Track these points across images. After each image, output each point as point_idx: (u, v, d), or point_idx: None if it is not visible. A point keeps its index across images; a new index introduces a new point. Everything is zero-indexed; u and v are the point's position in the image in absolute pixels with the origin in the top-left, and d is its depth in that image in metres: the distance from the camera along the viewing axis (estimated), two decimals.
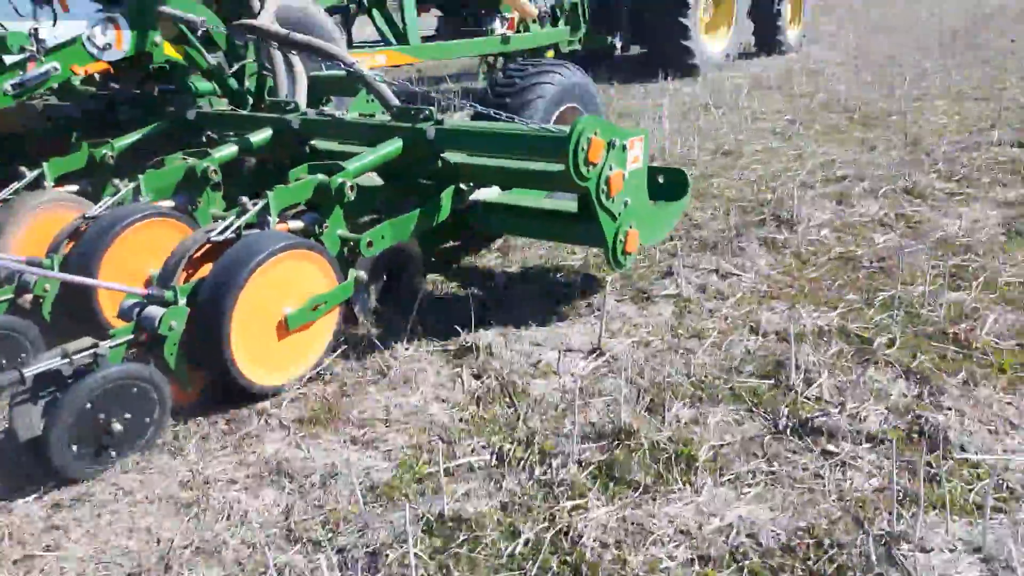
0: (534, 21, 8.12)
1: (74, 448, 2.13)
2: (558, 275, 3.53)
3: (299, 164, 3.07)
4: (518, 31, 8.16)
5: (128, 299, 2.42)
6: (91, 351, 2.19)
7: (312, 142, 3.55)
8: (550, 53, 8.66)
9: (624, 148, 2.83)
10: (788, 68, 9.58)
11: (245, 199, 2.71)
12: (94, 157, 3.50)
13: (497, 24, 8.02)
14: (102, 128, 3.83)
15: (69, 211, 3.07)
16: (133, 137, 3.68)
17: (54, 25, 3.38)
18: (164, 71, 3.92)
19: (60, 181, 3.39)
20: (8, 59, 3.44)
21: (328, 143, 3.55)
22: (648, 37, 9.53)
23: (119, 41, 3.51)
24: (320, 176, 2.84)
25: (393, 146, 3.06)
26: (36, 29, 3.39)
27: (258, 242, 2.51)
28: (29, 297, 2.71)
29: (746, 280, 3.29)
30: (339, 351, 2.78)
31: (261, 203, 2.68)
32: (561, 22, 8.78)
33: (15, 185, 3.25)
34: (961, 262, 3.29)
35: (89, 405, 2.12)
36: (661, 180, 3.28)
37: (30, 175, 3.30)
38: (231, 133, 3.72)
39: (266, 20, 3.76)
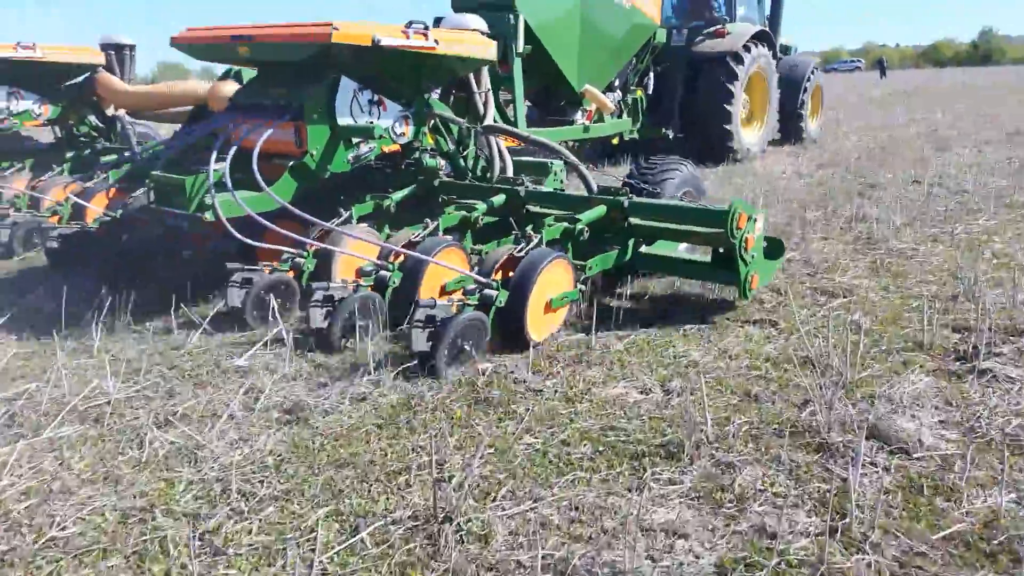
0: (611, 115, 9.99)
1: (447, 357, 3.78)
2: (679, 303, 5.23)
3: (520, 222, 5.02)
4: (594, 121, 9.98)
5: (468, 283, 4.22)
6: (458, 304, 3.93)
7: (528, 207, 5.32)
8: (615, 140, 10.60)
9: (754, 220, 4.58)
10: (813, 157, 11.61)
11: (531, 231, 4.52)
12: (380, 205, 5.35)
13: (579, 115, 9.82)
14: (365, 187, 5.56)
15: (370, 237, 4.88)
16: (401, 194, 5.49)
17: (378, 119, 5.08)
18: (409, 150, 5.67)
19: (360, 219, 5.25)
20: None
21: (539, 208, 5.30)
22: (696, 129, 11.41)
23: (407, 131, 5.33)
24: (566, 224, 4.69)
25: (600, 211, 4.88)
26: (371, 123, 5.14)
27: (541, 255, 4.25)
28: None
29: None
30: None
31: (537, 237, 4.49)
32: (624, 114, 10.67)
33: (335, 220, 5.01)
34: None
35: (455, 333, 3.78)
36: (766, 244, 4.93)
37: (345, 215, 5.12)
38: (465, 197, 5.52)
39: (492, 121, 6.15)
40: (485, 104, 6.05)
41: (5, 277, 5.92)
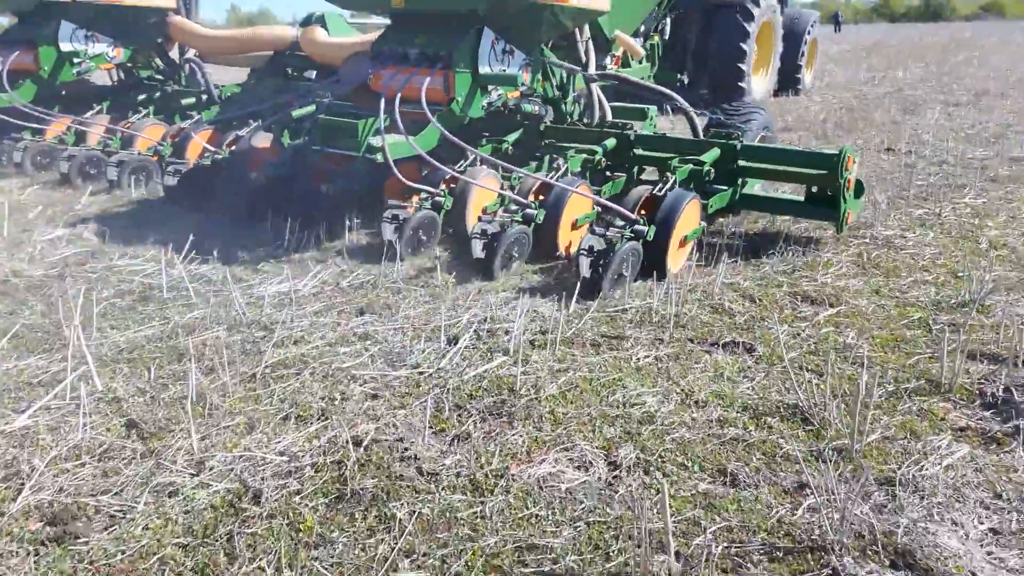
0: (639, 60, 9.38)
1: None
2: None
3: (627, 163, 5.67)
4: (621, 66, 9.30)
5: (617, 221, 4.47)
6: (618, 232, 4.31)
7: (635, 150, 5.61)
8: None
9: (856, 163, 4.93)
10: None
11: (670, 175, 4.82)
12: (497, 148, 5.75)
13: (608, 60, 9.06)
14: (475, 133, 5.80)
15: (491, 177, 5.19)
16: (514, 136, 5.85)
17: (507, 68, 5.48)
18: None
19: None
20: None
21: (645, 152, 5.61)
22: (709, 74, 11.59)
23: (526, 79, 5.61)
24: (692, 165, 4.99)
25: (715, 153, 5.17)
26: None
27: (682, 195, 4.61)
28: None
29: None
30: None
31: (672, 179, 4.78)
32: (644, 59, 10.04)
33: (463, 162, 5.21)
34: None
35: (619, 261, 4.20)
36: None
37: (471, 155, 5.22)
38: (569, 141, 5.81)
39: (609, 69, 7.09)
40: (587, 52, 6.32)
41: (130, 210, 6.05)
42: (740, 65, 11.40)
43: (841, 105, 12.32)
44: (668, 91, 6.30)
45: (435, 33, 5.18)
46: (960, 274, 4.67)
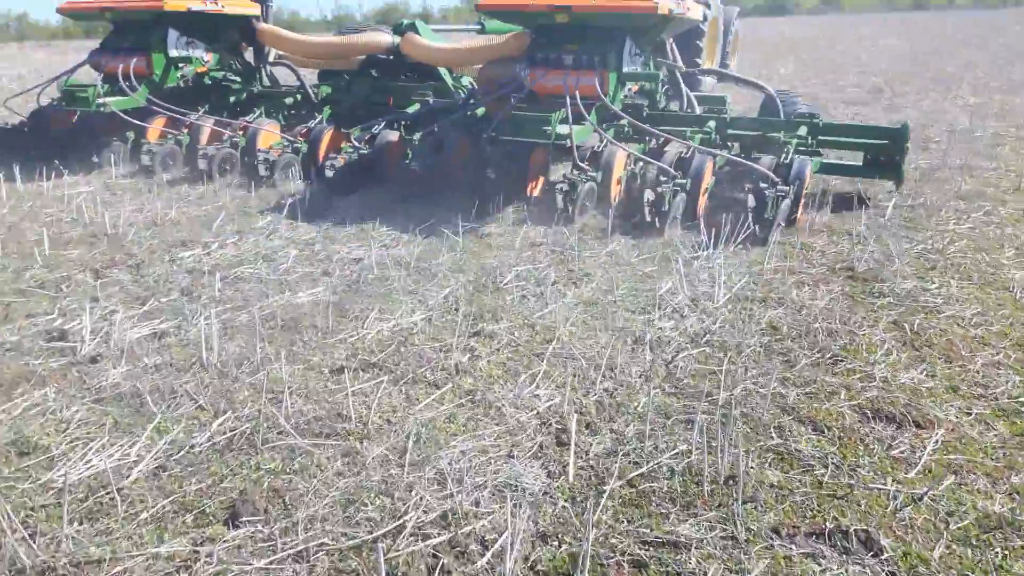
0: None
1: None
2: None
3: (724, 140, 6.48)
4: None
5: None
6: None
7: (729, 129, 6.54)
8: None
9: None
10: None
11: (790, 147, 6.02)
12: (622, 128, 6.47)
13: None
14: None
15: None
16: (626, 120, 6.30)
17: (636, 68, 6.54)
18: None
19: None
20: None
21: (741, 131, 6.52)
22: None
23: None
24: (797, 140, 6.16)
25: (804, 130, 6.26)
26: None
27: (804, 161, 5.73)
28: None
29: None
30: None
31: (790, 150, 5.97)
32: None
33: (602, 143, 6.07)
34: None
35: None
36: None
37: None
38: (673, 124, 6.59)
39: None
40: (674, 52, 7.57)
41: (300, 200, 6.27)
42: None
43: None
44: (759, 82, 7.58)
45: (586, 41, 6.14)
46: None
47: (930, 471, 2.69)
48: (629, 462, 2.72)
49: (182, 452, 2.84)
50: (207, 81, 8.53)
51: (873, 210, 5.97)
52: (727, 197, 6.03)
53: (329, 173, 6.42)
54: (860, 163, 6.38)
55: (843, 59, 19.81)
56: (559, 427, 2.95)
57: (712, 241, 5.03)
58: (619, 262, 4.87)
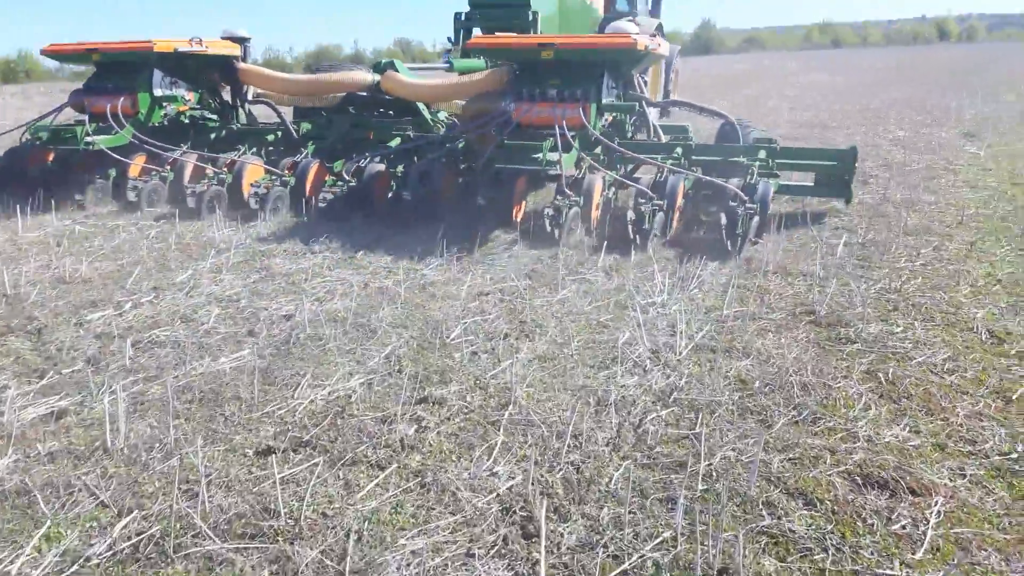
0: None
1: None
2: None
3: (689, 165, 6.74)
4: None
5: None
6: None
7: (693, 156, 6.83)
8: None
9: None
10: None
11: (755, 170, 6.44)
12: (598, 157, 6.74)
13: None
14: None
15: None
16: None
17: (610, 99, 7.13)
18: None
19: None
20: None
21: (704, 157, 6.84)
22: None
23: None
24: (760, 163, 6.58)
25: (763, 154, 6.66)
26: None
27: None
28: None
29: None
30: None
31: (755, 172, 6.41)
32: None
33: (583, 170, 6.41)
34: None
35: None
36: None
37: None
38: (645, 152, 6.93)
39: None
40: (641, 85, 7.73)
41: (293, 228, 6.64)
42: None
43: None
44: (717, 109, 8.20)
45: (568, 75, 6.58)
46: (1012, 394, 3.43)
47: (938, 549, 2.42)
48: (608, 555, 2.37)
49: (76, 566, 2.37)
50: (184, 119, 8.65)
51: (824, 247, 5.84)
52: (694, 218, 6.52)
53: (323, 204, 6.93)
54: (812, 183, 6.88)
55: (772, 95, 20.26)
56: (524, 514, 2.58)
57: (681, 263, 5.25)
58: (572, 311, 4.56)
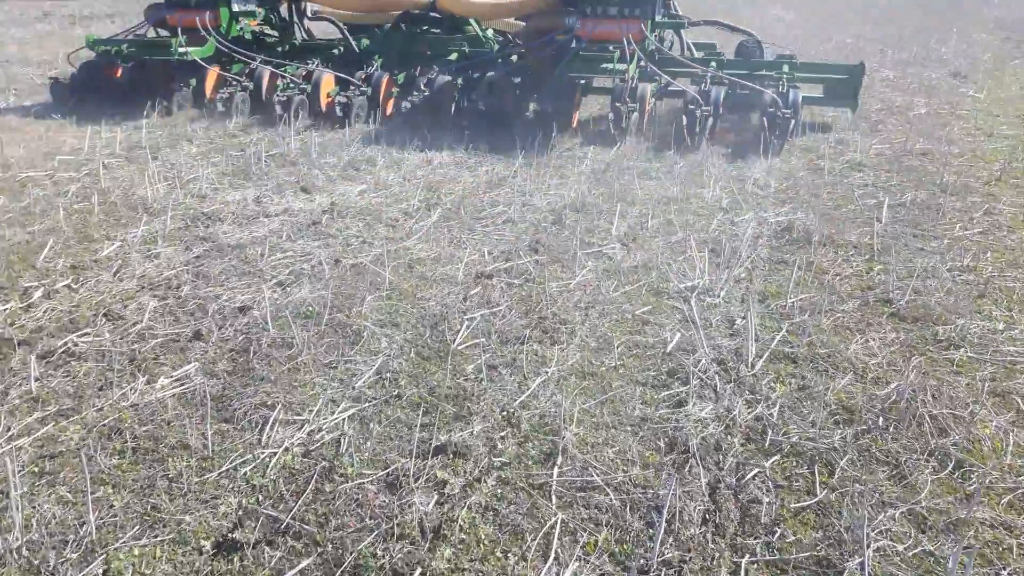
0: None
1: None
2: None
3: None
4: None
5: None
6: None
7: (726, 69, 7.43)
8: None
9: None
10: None
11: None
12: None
13: None
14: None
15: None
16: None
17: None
18: None
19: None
20: None
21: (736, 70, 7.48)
22: None
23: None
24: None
25: (785, 69, 7.43)
26: None
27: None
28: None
29: None
30: None
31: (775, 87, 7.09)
32: None
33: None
34: None
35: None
36: None
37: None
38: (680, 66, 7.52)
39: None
40: (675, 5, 8.33)
41: (379, 134, 7.15)
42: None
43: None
44: (746, 28, 8.84)
45: None
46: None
47: None
48: None
49: None
50: (247, 35, 8.86)
51: (862, 208, 5.06)
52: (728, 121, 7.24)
53: (406, 107, 7.34)
54: (821, 95, 7.64)
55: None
56: None
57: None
58: (597, 300, 3.69)
